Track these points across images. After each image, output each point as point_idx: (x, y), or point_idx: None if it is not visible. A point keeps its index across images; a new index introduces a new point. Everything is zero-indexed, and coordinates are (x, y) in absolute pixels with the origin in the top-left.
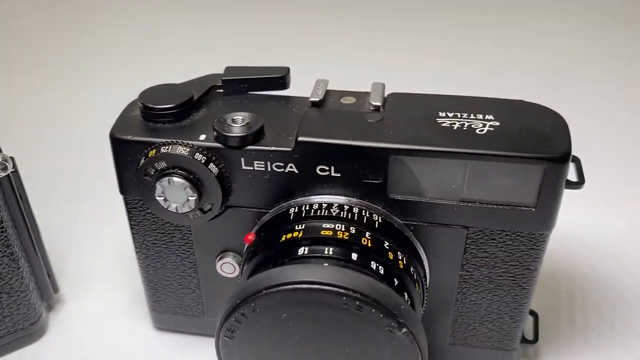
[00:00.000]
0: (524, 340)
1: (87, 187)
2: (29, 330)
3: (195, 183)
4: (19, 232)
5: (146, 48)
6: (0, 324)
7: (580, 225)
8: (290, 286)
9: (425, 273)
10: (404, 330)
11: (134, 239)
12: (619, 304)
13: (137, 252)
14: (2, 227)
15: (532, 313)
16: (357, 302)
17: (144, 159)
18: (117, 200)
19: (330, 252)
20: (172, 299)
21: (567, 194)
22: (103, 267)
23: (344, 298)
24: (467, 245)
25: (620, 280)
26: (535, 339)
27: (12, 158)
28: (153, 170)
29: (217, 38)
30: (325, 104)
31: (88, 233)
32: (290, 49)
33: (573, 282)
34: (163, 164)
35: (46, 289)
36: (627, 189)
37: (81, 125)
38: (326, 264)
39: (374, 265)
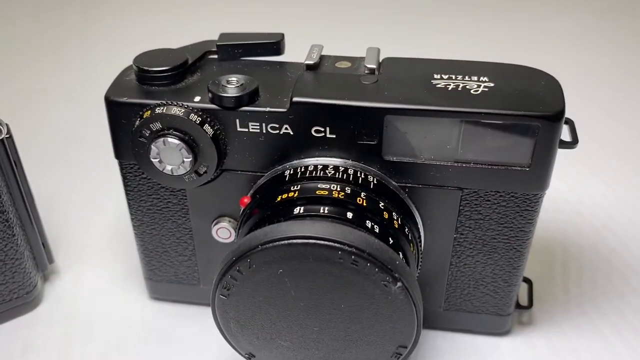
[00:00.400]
0: (518, 306)
1: (83, 155)
2: (24, 299)
3: (191, 144)
4: (14, 199)
5: (141, 12)
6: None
7: (573, 193)
8: (286, 241)
9: (420, 235)
10: (399, 284)
11: (129, 205)
12: (612, 272)
13: (132, 219)
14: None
15: (527, 280)
16: (353, 257)
17: (139, 120)
18: (113, 168)
19: (326, 211)
20: (167, 267)
21: (561, 159)
22: (98, 237)
23: (340, 252)
24: (461, 207)
25: (612, 247)
26: (530, 304)
27: (7, 124)
28: (148, 132)
29: (211, 6)
30: (320, 67)
31: (83, 203)
32: (285, 18)
33: (567, 250)
34: (158, 125)
35: (41, 258)
36: (620, 155)
37: (77, 91)
38: (322, 221)
39: (369, 224)
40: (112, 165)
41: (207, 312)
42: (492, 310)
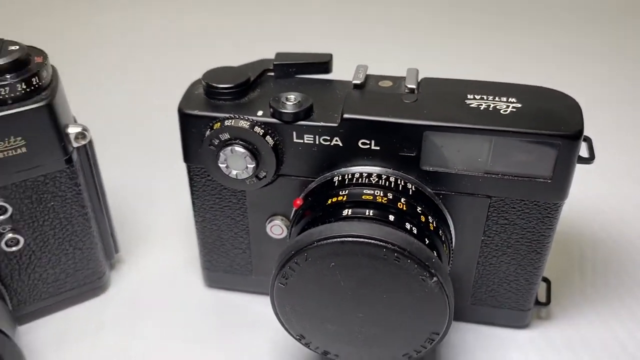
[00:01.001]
0: (537, 302)
1: (148, 156)
2: (95, 284)
3: (254, 153)
4: (90, 194)
5: (204, 31)
6: (73, 277)
7: (590, 200)
8: (338, 239)
9: (451, 237)
10: (435, 279)
11: (193, 203)
12: (624, 274)
13: (195, 216)
14: (79, 190)
15: (545, 280)
16: (395, 254)
17: (210, 131)
18: (175, 168)
19: (371, 213)
20: (223, 259)
21: (579, 169)
22: (159, 230)
23: (384, 250)
24: (489, 213)
25: (627, 252)
26: (548, 301)
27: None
28: (217, 141)
29: (261, 26)
30: (366, 86)
31: (146, 198)
32: (329, 38)
33: (583, 253)
34: (227, 136)
35: (110, 248)
36: (634, 167)
37: (145, 98)
38: (368, 222)
39: (408, 225)
40: (175, 164)
41: (257, 299)
42: (513, 306)
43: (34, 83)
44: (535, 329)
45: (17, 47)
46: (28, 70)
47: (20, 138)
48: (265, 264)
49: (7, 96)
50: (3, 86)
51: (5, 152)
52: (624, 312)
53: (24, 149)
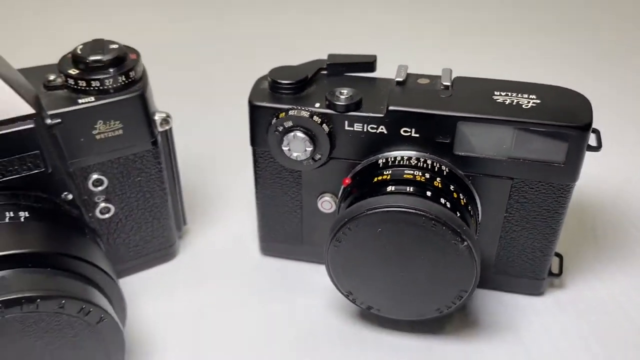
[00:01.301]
0: (551, 273)
1: (215, 141)
2: (167, 251)
3: (312, 138)
4: (168, 173)
5: (264, 34)
6: (149, 244)
7: (599, 182)
8: (385, 209)
9: (478, 212)
10: (465, 244)
11: (256, 181)
12: (630, 252)
13: (257, 192)
14: (160, 169)
15: (558, 255)
16: (432, 222)
17: (275, 119)
18: (239, 152)
19: (411, 190)
20: (279, 230)
21: (589, 156)
22: (222, 205)
23: (423, 219)
24: (511, 193)
25: (630, 229)
26: (560, 273)
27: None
28: (282, 128)
29: (314, 30)
30: (406, 83)
31: (211, 177)
32: (373, 41)
33: (593, 231)
34: (290, 123)
35: (179, 220)
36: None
37: (215, 91)
38: (409, 196)
39: (442, 200)
40: (235, 147)
41: (306, 266)
42: (530, 275)
43: (131, 76)
44: (549, 297)
45: (117, 45)
46: (125, 66)
47: (118, 122)
48: (314, 235)
49: (109, 87)
50: (107, 78)
51: (106, 134)
52: (625, 282)
53: (120, 131)
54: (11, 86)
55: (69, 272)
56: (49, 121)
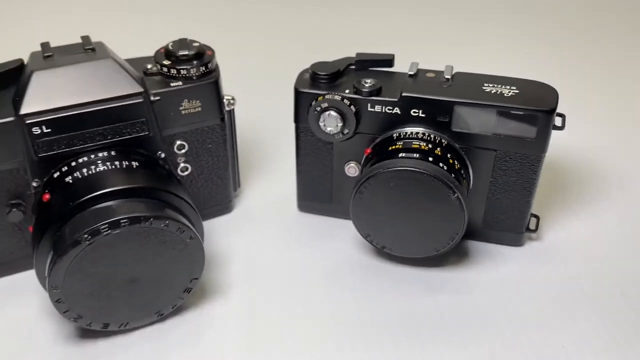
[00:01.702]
0: (528, 229)
1: (264, 118)
2: (226, 205)
3: (343, 116)
4: (229, 143)
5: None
6: (213, 199)
7: (564, 154)
8: (397, 168)
9: (470, 177)
10: (456, 195)
11: (297, 151)
12: (590, 210)
13: (297, 160)
14: (225, 139)
15: (536, 216)
16: (432, 178)
17: (314, 102)
18: (280, 128)
19: (417, 156)
20: (313, 191)
21: (555, 134)
22: (268, 171)
23: (425, 175)
24: (495, 162)
25: (597, 189)
26: (536, 229)
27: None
28: (319, 108)
29: (345, 33)
30: (417, 76)
31: (261, 147)
32: (391, 42)
33: (563, 194)
34: (326, 105)
35: (235, 182)
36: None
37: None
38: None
39: (441, 164)
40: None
41: (334, 220)
42: (511, 229)
43: (208, 67)
44: (527, 247)
45: (198, 44)
46: (204, 59)
47: (198, 101)
48: (341, 195)
49: (193, 75)
50: (191, 68)
51: (189, 110)
52: (588, 234)
53: (199, 109)
54: (126, 71)
55: (168, 203)
56: (152, 98)
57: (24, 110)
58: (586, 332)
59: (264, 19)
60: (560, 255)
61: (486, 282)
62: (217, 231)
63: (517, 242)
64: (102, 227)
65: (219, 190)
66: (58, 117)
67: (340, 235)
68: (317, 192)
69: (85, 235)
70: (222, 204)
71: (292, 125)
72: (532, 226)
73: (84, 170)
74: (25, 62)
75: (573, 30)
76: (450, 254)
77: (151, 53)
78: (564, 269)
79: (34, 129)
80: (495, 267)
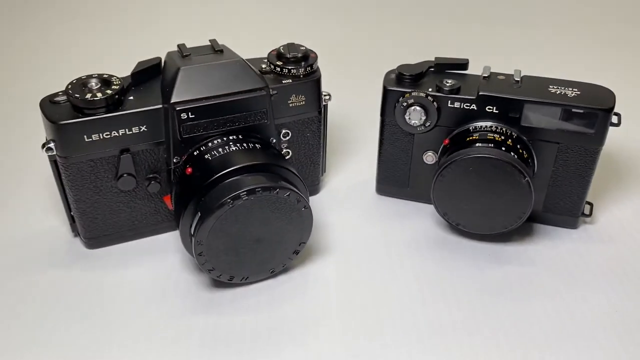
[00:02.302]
0: (583, 214)
1: (349, 112)
2: (315, 187)
3: (426, 111)
4: (322, 132)
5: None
6: (306, 179)
7: (618, 148)
8: (476, 155)
9: (535, 165)
10: (526, 179)
11: (381, 142)
12: None
13: (380, 148)
14: (319, 129)
15: (590, 203)
16: (506, 164)
17: (401, 98)
18: (363, 121)
19: (492, 145)
20: (392, 176)
21: (612, 130)
22: (351, 157)
23: (500, 161)
24: (558, 153)
25: None
26: (590, 214)
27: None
28: (405, 104)
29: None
30: (490, 78)
31: (345, 137)
32: (465, 49)
33: (618, 183)
34: (412, 101)
35: (323, 167)
36: None
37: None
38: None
39: (512, 153)
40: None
41: (410, 203)
42: (569, 213)
43: (312, 68)
44: (582, 230)
45: (304, 48)
46: (309, 61)
47: (302, 96)
48: (418, 181)
49: (300, 74)
50: (298, 68)
51: (295, 103)
52: (636, 221)
53: (303, 102)
54: (252, 69)
55: (285, 178)
56: (271, 92)
57: (174, 99)
58: (635, 300)
59: (350, 28)
60: (611, 237)
61: (546, 257)
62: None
63: (573, 225)
64: (242, 193)
65: (310, 172)
66: (200, 106)
67: (416, 215)
68: (396, 177)
69: (229, 200)
70: (311, 186)
71: (369, 119)
72: (586, 212)
73: (220, 149)
74: (163, 60)
75: (629, 37)
76: (514, 233)
77: (253, 54)
78: (614, 249)
79: (182, 115)
80: (553, 245)
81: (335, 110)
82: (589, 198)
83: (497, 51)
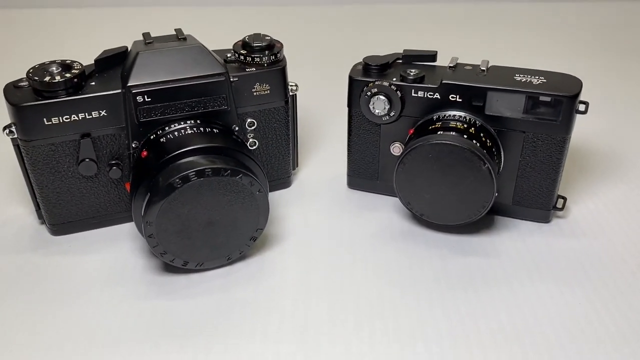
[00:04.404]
0: (555, 207)
1: (320, 104)
2: (285, 180)
3: (390, 100)
4: (290, 124)
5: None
6: (275, 172)
7: (588, 136)
8: (435, 141)
9: (501, 155)
10: (486, 165)
11: (349, 131)
12: (616, 190)
13: (350, 140)
14: (287, 120)
15: (562, 197)
16: (465, 150)
17: (366, 88)
18: (333, 115)
19: (454, 134)
20: (362, 168)
21: (580, 117)
22: (320, 151)
23: (459, 148)
24: (524, 143)
25: (615, 171)
26: (562, 208)
27: (296, 84)
28: (369, 93)
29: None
30: (456, 68)
31: (314, 130)
32: (434, 41)
33: (592, 178)
34: (375, 90)
35: (294, 160)
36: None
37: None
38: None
39: (474, 141)
40: (333, 110)
41: (379, 196)
42: (540, 206)
43: (277, 57)
44: (554, 224)
45: (269, 37)
46: (274, 50)
47: (267, 85)
48: (386, 173)
49: (264, 62)
50: (265, 56)
51: (260, 92)
52: (611, 216)
53: (268, 91)
54: (212, 56)
55: (241, 162)
56: (231, 78)
57: (131, 82)
58: (601, 295)
59: (321, 26)
60: (583, 231)
61: (513, 249)
62: (277, 201)
63: (544, 218)
64: (191, 174)
65: (279, 165)
66: (157, 90)
67: (383, 208)
68: (365, 170)
69: (177, 180)
70: (281, 179)
71: (342, 116)
72: (559, 205)
73: (175, 133)
74: (129, 49)
75: (603, 35)
76: (482, 226)
77: (228, 46)
78: (585, 243)
79: (138, 98)
80: (521, 238)
81: (311, 104)
82: (563, 192)
83: (471, 43)
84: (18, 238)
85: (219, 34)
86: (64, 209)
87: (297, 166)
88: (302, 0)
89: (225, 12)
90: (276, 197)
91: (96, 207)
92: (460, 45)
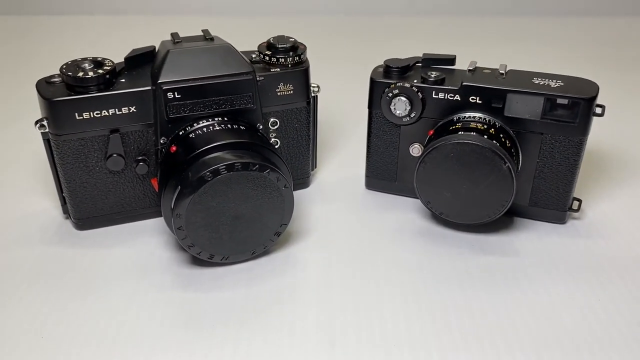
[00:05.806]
0: (571, 209)
1: (340, 106)
2: (304, 180)
3: (411, 101)
4: (311, 124)
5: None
6: (295, 172)
7: (605, 138)
8: (456, 140)
9: (519, 156)
10: (507, 165)
11: (369, 135)
12: (630, 190)
13: (368, 142)
14: (308, 120)
15: (579, 199)
16: (486, 150)
17: (387, 89)
18: (353, 116)
19: (474, 134)
20: (380, 169)
21: (597, 120)
22: (340, 152)
23: (481, 147)
24: (542, 144)
25: (636, 174)
26: (578, 209)
27: (318, 85)
28: (391, 94)
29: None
30: (475, 71)
31: (334, 132)
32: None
33: (608, 181)
34: (397, 91)
35: (313, 160)
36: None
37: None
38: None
39: (494, 141)
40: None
41: (397, 197)
42: (556, 207)
43: (301, 58)
44: (570, 225)
45: (293, 39)
46: (298, 51)
47: (291, 85)
48: (405, 174)
49: (288, 63)
50: (287, 58)
51: (283, 92)
52: (627, 219)
53: (291, 92)
54: (240, 55)
55: (267, 158)
56: (257, 78)
57: (162, 79)
58: (614, 294)
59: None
60: (599, 233)
61: (530, 249)
62: (297, 200)
63: (560, 219)
64: (221, 167)
65: (299, 165)
66: (187, 87)
67: (402, 208)
68: (384, 171)
69: (208, 173)
70: (301, 179)
71: (359, 119)
72: (574, 207)
73: (204, 129)
74: (156, 49)
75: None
76: (500, 225)
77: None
78: (601, 244)
79: (168, 94)
80: (539, 238)
81: (330, 107)
82: (578, 194)
83: (490, 49)
84: (43, 231)
85: (240, 41)
86: (89, 204)
87: (315, 167)
88: (324, 10)
89: (244, 21)
90: (295, 197)
91: (121, 203)
92: (476, 57)
